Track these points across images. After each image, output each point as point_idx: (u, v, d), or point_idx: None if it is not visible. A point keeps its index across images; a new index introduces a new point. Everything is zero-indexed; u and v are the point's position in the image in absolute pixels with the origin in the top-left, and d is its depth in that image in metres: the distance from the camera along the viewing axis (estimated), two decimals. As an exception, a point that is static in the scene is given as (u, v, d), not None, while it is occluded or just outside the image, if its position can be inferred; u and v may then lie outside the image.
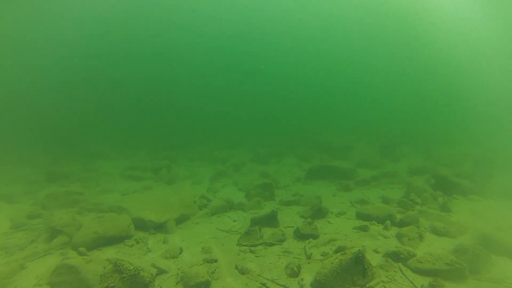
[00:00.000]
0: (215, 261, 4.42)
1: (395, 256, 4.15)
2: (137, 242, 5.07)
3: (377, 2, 41.34)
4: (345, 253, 3.67)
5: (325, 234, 5.24)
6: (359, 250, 3.62)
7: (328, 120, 24.78)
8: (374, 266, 3.88)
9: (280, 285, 3.74)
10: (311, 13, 46.98)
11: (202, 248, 4.83)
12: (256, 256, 4.53)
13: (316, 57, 52.03)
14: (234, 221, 6.18)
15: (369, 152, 12.46)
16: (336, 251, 4.43)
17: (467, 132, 19.95)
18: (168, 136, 21.75)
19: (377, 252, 4.49)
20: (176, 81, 44.24)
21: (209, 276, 3.86)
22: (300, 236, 5.11)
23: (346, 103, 34.08)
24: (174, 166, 13.05)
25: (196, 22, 45.68)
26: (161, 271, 4.08)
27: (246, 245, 4.93)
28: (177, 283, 3.79)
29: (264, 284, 3.77)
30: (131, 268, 3.37)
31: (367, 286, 3.55)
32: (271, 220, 5.71)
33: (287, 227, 5.66)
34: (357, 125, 21.92)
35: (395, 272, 3.90)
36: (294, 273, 3.93)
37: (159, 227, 5.66)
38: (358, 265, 3.63)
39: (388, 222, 5.44)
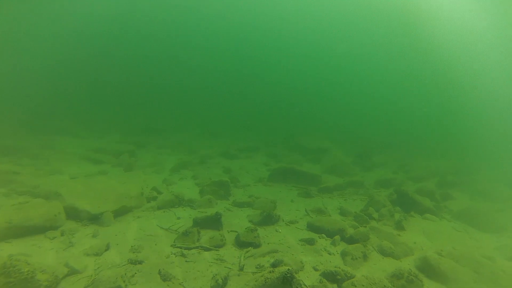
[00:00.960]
0: (140, 262, 4.09)
1: (331, 277, 3.93)
2: (62, 235, 4.67)
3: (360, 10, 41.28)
4: (273, 271, 3.40)
5: (268, 243, 4.99)
6: (288, 269, 3.36)
7: (311, 122, 24.62)
8: (307, 286, 3.63)
9: (198, 300, 3.45)
10: (290, 14, 46.35)
11: (132, 246, 4.48)
12: (186, 261, 4.23)
13: (304, 59, 51.65)
14: (178, 218, 5.86)
15: (342, 158, 12.32)
16: (273, 265, 4.18)
17: (446, 145, 20.21)
18: (149, 120, 21.07)
19: (316, 269, 4.27)
20: (166, 66, 43.00)
21: (123, 282, 3.52)
22: (240, 243, 4.83)
23: (331, 107, 33.97)
24: (142, 152, 12.61)
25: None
26: (73, 272, 3.71)
27: (180, 247, 4.63)
28: (85, 288, 3.43)
29: (181, 296, 3.47)
30: (25, 270, 2.98)
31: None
32: (214, 222, 5.41)
33: (231, 231, 5.38)
34: (339, 129, 21.83)
35: (327, 294, 3.68)
36: (217, 285, 3.65)
37: (94, 219, 5.27)
38: (285, 285, 3.36)
39: (337, 237, 5.25)
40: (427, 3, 32.31)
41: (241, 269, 4.12)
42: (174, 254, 4.41)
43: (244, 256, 4.49)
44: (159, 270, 3.89)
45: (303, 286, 3.49)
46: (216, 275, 3.82)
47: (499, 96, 32.22)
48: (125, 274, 3.72)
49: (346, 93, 40.63)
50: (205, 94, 35.33)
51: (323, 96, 38.79)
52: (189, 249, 4.62)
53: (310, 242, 5.07)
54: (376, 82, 44.26)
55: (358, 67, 48.64)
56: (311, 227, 5.69)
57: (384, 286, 3.55)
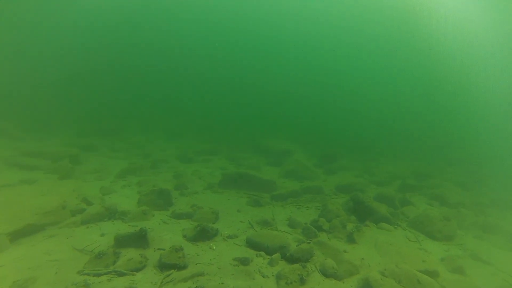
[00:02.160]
0: (25, 301, 3.38)
1: (256, 308, 3.41)
2: None
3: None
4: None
5: (196, 264, 4.43)
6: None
7: (280, 124, 24.25)
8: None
9: None
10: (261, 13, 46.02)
11: (17, 280, 3.74)
12: (87, 294, 3.57)
13: (273, 60, 51.40)
14: (102, 235, 5.17)
15: (304, 161, 11.98)
16: (192, 294, 3.61)
17: (416, 146, 20.54)
18: (107, 120, 19.85)
19: (242, 297, 3.75)
20: (129, 62, 41.07)
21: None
22: (162, 265, 4.24)
23: (303, 109, 33.84)
24: (91, 156, 11.71)
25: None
26: None
27: (88, 274, 3.95)
28: None
29: None
30: None
31: None
32: (138, 239, 4.78)
33: (158, 249, 4.76)
34: (308, 131, 21.61)
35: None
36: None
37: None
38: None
39: (277, 255, 4.78)
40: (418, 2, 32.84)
41: (151, 301, 3.53)
42: (75, 284, 3.73)
43: (162, 282, 3.90)
44: (46, 308, 3.22)
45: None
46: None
47: (474, 96, 33.61)
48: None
49: (317, 94, 40.76)
50: (171, 94, 34.01)
51: (294, 98, 38.64)
52: (99, 275, 3.97)
53: (244, 261, 4.57)
54: (349, 84, 44.82)
55: (328, 69, 49.06)
56: (250, 243, 5.20)
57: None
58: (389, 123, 29.56)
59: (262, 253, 4.95)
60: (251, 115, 27.41)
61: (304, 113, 30.56)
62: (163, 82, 38.59)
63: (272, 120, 25.51)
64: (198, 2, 42.89)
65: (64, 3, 32.27)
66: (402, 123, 30.24)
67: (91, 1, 35.03)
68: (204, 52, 48.34)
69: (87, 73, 33.16)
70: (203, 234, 5.32)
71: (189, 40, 47.75)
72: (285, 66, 49.55)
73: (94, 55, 37.59)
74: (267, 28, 49.60)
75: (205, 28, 48.42)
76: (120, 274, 4.06)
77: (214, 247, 5.05)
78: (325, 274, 4.44)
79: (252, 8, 45.99)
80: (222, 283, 3.95)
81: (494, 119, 29.45)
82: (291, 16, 47.16)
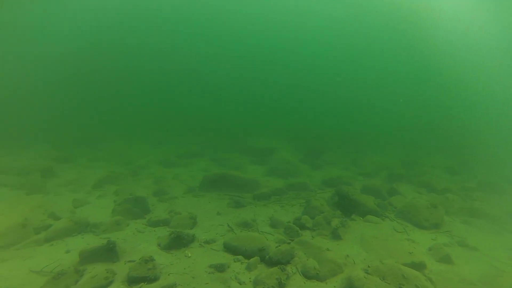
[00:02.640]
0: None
1: (229, 320, 3.14)
2: None
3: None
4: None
5: (169, 275, 4.14)
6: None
7: (266, 122, 24.01)
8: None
9: None
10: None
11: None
12: (41, 321, 3.24)
13: (258, 58, 51.04)
14: (67, 252, 4.81)
15: (289, 157, 11.78)
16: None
17: (403, 136, 20.56)
18: (84, 129, 19.29)
19: (216, 308, 3.47)
20: (108, 68, 40.14)
21: None
22: (131, 279, 3.93)
23: (288, 105, 33.64)
24: (67, 167, 11.24)
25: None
26: None
27: (45, 298, 3.61)
28: None
29: None
30: None
31: None
32: (107, 253, 4.46)
33: (128, 262, 4.44)
34: (294, 128, 21.41)
35: None
36: None
37: None
38: None
39: (256, 259, 4.52)
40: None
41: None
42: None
43: (128, 300, 3.60)
44: None
45: None
46: None
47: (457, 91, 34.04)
48: None
49: (303, 91, 40.65)
50: (152, 98, 33.32)
51: (281, 94, 38.43)
52: (57, 298, 3.63)
53: (220, 268, 4.29)
54: (334, 78, 44.88)
55: (314, 64, 49.05)
56: (228, 248, 4.93)
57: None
58: (376, 114, 29.66)
59: (240, 257, 4.68)
60: (236, 114, 27.07)
61: (291, 109, 30.36)
62: (145, 86, 37.79)
63: (258, 118, 25.25)
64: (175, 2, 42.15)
65: (39, 8, 31.34)
66: (390, 113, 30.41)
67: (67, 6, 34.03)
68: (188, 52, 47.67)
69: (65, 80, 32.34)
70: (178, 241, 5.02)
71: (172, 42, 46.96)
72: (272, 64, 49.30)
73: (73, 61, 36.67)
74: (253, 26, 49.17)
75: (189, 29, 47.66)
76: (82, 294, 3.74)
77: (190, 254, 4.76)
78: (307, 275, 4.20)
79: (239, 7, 45.51)
80: (194, 295, 3.67)
81: (480, 107, 29.91)
82: (277, 14, 46.89)
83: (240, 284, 4.02)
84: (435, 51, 37.65)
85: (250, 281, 4.07)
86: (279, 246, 4.62)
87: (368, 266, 4.03)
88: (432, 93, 36.37)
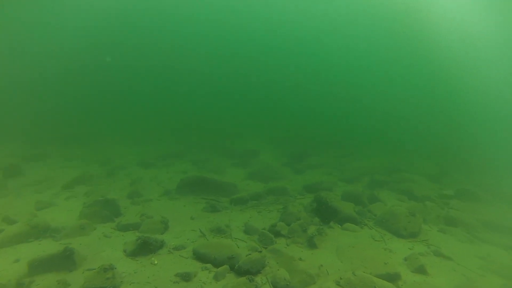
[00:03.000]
0: None
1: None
2: None
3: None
4: None
5: (130, 284, 3.91)
6: None
7: (251, 123, 23.82)
8: None
9: None
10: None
11: None
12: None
13: (241, 57, 50.76)
14: (17, 261, 4.49)
15: (271, 161, 11.64)
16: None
17: (387, 141, 20.70)
18: (63, 126, 18.69)
19: (176, 322, 3.26)
20: (88, 64, 39.04)
21: None
22: (87, 291, 3.67)
23: (274, 106, 33.50)
24: (37, 166, 10.83)
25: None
26: None
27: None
28: None
29: None
30: None
31: None
32: (63, 261, 4.20)
33: (87, 270, 4.19)
34: (279, 130, 21.28)
35: None
36: None
37: None
38: None
39: (225, 267, 4.35)
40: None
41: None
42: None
43: (81, 313, 3.35)
44: None
45: None
46: None
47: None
48: None
49: (289, 92, 40.68)
50: (135, 97, 32.57)
51: (267, 96, 38.31)
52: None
53: (186, 277, 4.09)
54: (321, 80, 45.11)
55: (299, 64, 49.13)
56: (197, 255, 4.73)
57: None
58: (363, 119, 29.87)
59: (209, 265, 4.50)
60: (220, 115, 26.78)
61: (278, 111, 30.25)
62: (129, 86, 36.97)
63: (242, 120, 25.04)
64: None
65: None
66: (375, 119, 30.70)
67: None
68: (171, 51, 47.02)
69: (44, 76, 31.40)
70: (145, 247, 4.79)
71: (153, 39, 46.16)
72: (257, 65, 49.15)
73: (52, 57, 35.67)
74: (236, 25, 48.92)
75: (172, 28, 46.99)
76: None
77: (156, 262, 4.55)
78: (277, 287, 4.04)
79: (222, 6, 45.17)
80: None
81: (464, 114, 30.53)
82: (261, 13, 46.84)
83: (206, 295, 3.83)
84: (425, 53, 38.26)
85: (216, 292, 3.89)
86: (250, 254, 4.45)
87: (340, 278, 3.91)
88: (422, 97, 36.93)
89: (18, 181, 8.69)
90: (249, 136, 16.84)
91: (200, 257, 4.68)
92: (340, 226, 6.48)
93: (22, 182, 8.68)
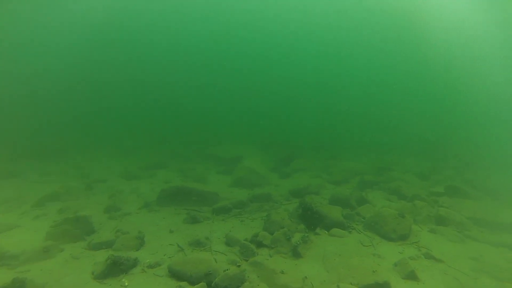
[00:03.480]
0: None
1: None
2: None
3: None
4: None
5: (95, 313, 3.54)
6: None
7: (235, 128, 23.52)
8: None
9: None
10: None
11: None
12: None
13: (229, 59, 50.40)
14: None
15: (256, 166, 11.34)
16: None
17: (377, 141, 20.62)
18: (42, 140, 18.02)
19: None
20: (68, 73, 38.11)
21: None
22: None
23: (258, 111, 33.18)
24: (7, 183, 10.26)
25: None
26: None
27: None
28: None
29: None
30: None
31: None
32: (18, 291, 3.79)
33: (49, 299, 3.81)
34: (265, 134, 21.00)
35: None
36: None
37: None
38: None
39: (201, 285, 4.05)
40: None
41: None
42: None
43: None
44: None
45: None
46: None
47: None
48: None
49: (274, 94, 40.51)
50: (118, 107, 31.77)
51: (252, 101, 38.05)
52: None
53: (158, 300, 3.76)
54: (305, 82, 45.09)
55: (282, 68, 49.05)
56: (172, 272, 4.41)
57: None
58: (351, 117, 29.89)
59: (184, 283, 4.19)
60: (205, 122, 26.40)
61: (263, 115, 29.99)
62: (111, 96, 36.15)
63: (227, 125, 24.72)
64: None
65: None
66: (365, 116, 30.77)
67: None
68: (152, 57, 46.40)
69: (22, 89, 30.59)
70: (115, 268, 4.44)
71: (131, 50, 45.45)
72: (239, 70, 48.84)
73: (31, 66, 34.83)
74: (214, 29, 48.50)
75: (148, 36, 46.23)
76: None
77: (127, 283, 4.21)
78: (257, 304, 3.75)
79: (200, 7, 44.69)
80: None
81: (455, 110, 30.85)
82: (241, 17, 46.67)
83: (178, 319, 3.51)
84: (412, 52, 38.62)
85: (189, 314, 3.57)
86: (227, 270, 4.15)
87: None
88: (410, 97, 37.25)
89: (14, 202, 8.16)
90: (234, 142, 16.48)
91: (175, 274, 4.37)
92: (327, 232, 6.23)
93: (-4, 199, 8.19)
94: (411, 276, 4.54)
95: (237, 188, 9.65)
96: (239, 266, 4.42)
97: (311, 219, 6.45)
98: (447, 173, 12.35)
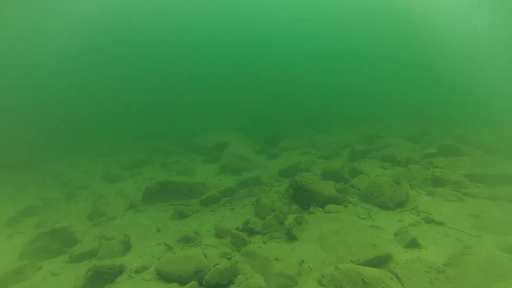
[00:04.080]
0: None
1: None
2: None
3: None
4: None
5: (77, 332, 3.23)
6: None
7: (215, 114, 22.95)
8: None
9: None
10: None
11: None
12: None
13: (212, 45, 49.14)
14: None
15: (245, 150, 11.03)
16: None
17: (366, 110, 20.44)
18: (16, 149, 17.21)
19: None
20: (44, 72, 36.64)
21: None
22: None
23: (236, 94, 32.46)
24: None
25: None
26: None
27: None
28: None
29: None
30: None
31: None
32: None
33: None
34: (250, 117, 20.57)
35: None
36: None
37: None
38: None
39: (193, 284, 3.76)
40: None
41: None
42: None
43: None
44: None
45: None
46: None
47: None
48: None
49: (254, 76, 39.82)
50: (94, 106, 30.56)
51: (232, 83, 37.28)
52: None
53: (145, 308, 3.47)
54: (292, 56, 44.42)
55: (263, 49, 48.20)
56: (160, 274, 4.13)
57: None
58: (333, 90, 29.65)
59: (174, 285, 3.91)
60: (185, 111, 25.73)
61: (243, 98, 29.40)
62: (83, 94, 34.73)
63: (208, 112, 24.13)
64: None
65: None
66: (348, 88, 30.56)
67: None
68: (131, 54, 44.89)
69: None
70: (98, 279, 4.13)
71: (111, 45, 43.83)
72: (218, 53, 47.72)
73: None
74: (198, 19, 47.02)
75: (129, 30, 44.56)
76: None
77: (110, 294, 3.89)
78: (252, 297, 3.49)
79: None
80: None
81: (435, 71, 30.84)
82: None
83: (168, 326, 3.23)
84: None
85: (180, 319, 3.30)
86: (217, 264, 3.87)
87: (322, 276, 3.39)
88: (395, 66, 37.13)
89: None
90: (218, 129, 16.02)
91: (164, 276, 4.09)
92: (321, 210, 6.01)
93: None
94: (413, 243, 4.36)
95: (225, 175, 9.35)
96: (229, 258, 4.16)
97: (304, 198, 6.22)
98: (437, 133, 12.26)
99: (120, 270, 4.44)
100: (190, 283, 3.80)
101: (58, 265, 5.00)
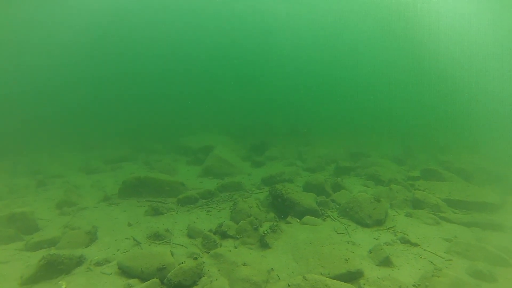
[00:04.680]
0: None
1: None
2: None
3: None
4: None
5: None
6: None
7: (205, 117, 22.83)
8: None
9: None
10: None
11: None
12: None
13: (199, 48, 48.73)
14: None
15: (231, 155, 10.92)
16: None
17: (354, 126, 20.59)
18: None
19: None
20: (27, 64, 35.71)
21: None
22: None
23: (229, 98, 32.35)
24: None
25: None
26: None
27: None
28: None
29: None
30: None
31: None
32: None
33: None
34: (236, 122, 20.50)
35: None
36: None
37: None
38: None
39: (153, 281, 3.59)
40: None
41: None
42: None
43: None
44: None
45: None
46: None
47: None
48: None
49: (249, 82, 39.86)
50: (82, 100, 29.85)
51: (226, 88, 37.19)
52: None
53: (100, 302, 3.29)
54: (283, 69, 44.59)
55: (253, 54, 48.05)
56: (122, 269, 3.96)
57: None
58: (327, 104, 29.87)
59: (135, 280, 3.74)
60: (174, 111, 25.52)
61: (236, 103, 29.34)
62: (74, 87, 34.02)
63: (198, 114, 24.00)
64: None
65: None
66: (340, 103, 30.83)
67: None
68: (117, 48, 44.17)
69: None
70: (51, 269, 3.91)
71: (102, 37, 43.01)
72: (207, 56, 47.42)
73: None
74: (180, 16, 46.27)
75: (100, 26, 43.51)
76: None
77: (64, 286, 3.70)
78: (214, 301, 3.36)
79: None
80: None
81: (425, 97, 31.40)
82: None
83: (121, 322, 3.06)
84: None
85: (135, 317, 3.13)
86: (183, 263, 3.72)
87: (288, 285, 3.28)
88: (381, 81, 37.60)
89: None
90: (206, 132, 15.85)
91: (125, 271, 3.91)
92: (299, 221, 5.93)
93: None
94: (386, 262, 4.30)
95: (207, 178, 9.21)
96: (195, 258, 4.01)
97: (282, 207, 6.13)
98: (423, 156, 12.39)
99: (79, 262, 4.24)
100: (151, 280, 3.64)
101: (10, 252, 4.72)
